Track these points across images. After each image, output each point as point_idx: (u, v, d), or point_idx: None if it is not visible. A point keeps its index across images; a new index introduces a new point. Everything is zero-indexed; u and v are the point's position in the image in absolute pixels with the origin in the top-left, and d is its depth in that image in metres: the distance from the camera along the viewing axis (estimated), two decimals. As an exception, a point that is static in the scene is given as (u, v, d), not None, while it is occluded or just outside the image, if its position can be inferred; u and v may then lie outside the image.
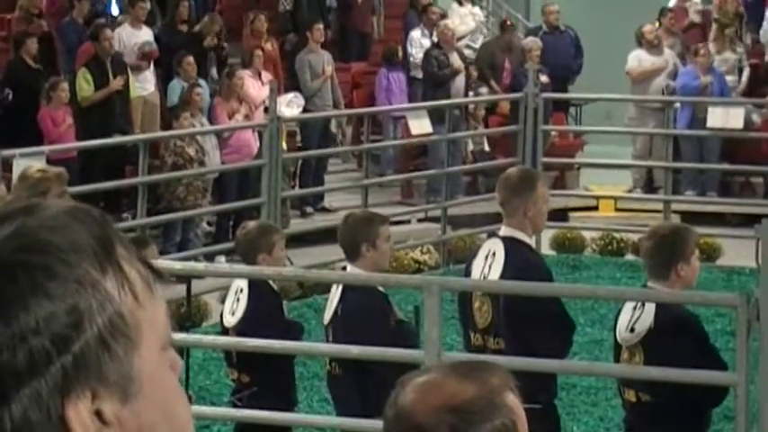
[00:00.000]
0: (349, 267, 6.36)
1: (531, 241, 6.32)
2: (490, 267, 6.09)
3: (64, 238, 1.22)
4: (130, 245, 1.27)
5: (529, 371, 5.56)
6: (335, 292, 6.36)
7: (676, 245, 5.68)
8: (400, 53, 15.65)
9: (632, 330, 5.74)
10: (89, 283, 1.22)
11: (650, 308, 5.70)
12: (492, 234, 6.34)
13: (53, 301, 1.20)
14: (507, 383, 1.98)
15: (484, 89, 15.61)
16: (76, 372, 1.20)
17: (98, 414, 1.21)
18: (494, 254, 6.10)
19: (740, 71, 15.59)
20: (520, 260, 6.06)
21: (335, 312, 6.30)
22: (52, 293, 1.20)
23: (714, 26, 15.83)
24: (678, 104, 14.55)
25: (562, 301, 6.30)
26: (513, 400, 1.98)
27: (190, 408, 1.30)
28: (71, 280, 1.21)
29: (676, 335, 5.71)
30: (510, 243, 6.07)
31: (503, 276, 6.01)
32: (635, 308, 5.77)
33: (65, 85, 12.59)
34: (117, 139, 12.48)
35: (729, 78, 15.21)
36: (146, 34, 14.16)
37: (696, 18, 16.43)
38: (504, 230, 6.14)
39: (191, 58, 13.65)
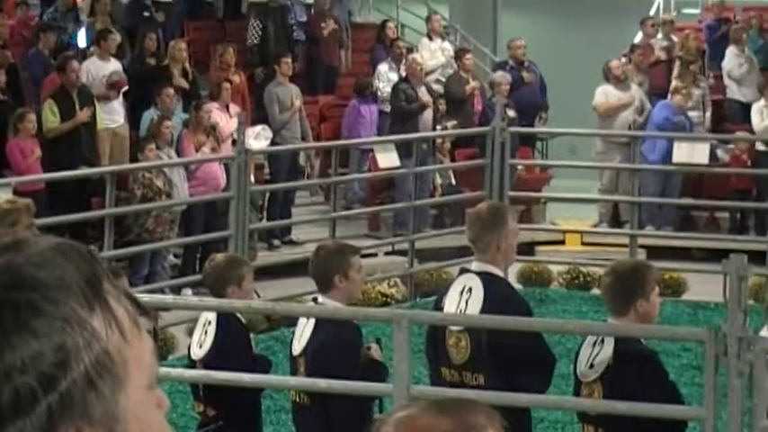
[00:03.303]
0: (321, 299, 6.33)
1: (504, 275, 6.33)
2: (467, 303, 6.07)
3: (50, 275, 1.21)
4: (118, 281, 1.26)
5: (505, 405, 5.53)
6: (307, 324, 6.30)
7: (636, 282, 5.66)
8: (373, 86, 15.68)
9: (591, 366, 5.72)
10: (76, 320, 1.20)
11: (609, 343, 5.70)
12: (464, 270, 6.32)
13: (39, 340, 1.18)
14: (491, 423, 1.89)
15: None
16: (62, 411, 1.18)
17: None
18: (470, 289, 6.08)
19: (704, 107, 15.71)
20: (500, 295, 6.06)
21: (307, 344, 6.26)
22: (38, 332, 1.18)
23: (678, 63, 15.94)
24: (643, 140, 14.63)
25: (543, 336, 6.30)
26: None
27: None
28: (57, 318, 1.19)
29: (635, 370, 5.68)
30: (487, 278, 6.07)
31: (483, 312, 6.00)
32: (594, 344, 5.75)
33: (32, 117, 12.54)
34: (84, 170, 12.41)
35: (694, 114, 15.33)
36: (113, 66, 14.12)
37: (662, 55, 16.54)
38: (476, 266, 6.12)
39: (170, 90, 13.62)
